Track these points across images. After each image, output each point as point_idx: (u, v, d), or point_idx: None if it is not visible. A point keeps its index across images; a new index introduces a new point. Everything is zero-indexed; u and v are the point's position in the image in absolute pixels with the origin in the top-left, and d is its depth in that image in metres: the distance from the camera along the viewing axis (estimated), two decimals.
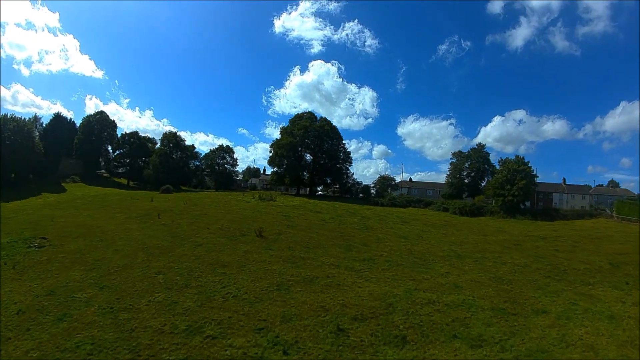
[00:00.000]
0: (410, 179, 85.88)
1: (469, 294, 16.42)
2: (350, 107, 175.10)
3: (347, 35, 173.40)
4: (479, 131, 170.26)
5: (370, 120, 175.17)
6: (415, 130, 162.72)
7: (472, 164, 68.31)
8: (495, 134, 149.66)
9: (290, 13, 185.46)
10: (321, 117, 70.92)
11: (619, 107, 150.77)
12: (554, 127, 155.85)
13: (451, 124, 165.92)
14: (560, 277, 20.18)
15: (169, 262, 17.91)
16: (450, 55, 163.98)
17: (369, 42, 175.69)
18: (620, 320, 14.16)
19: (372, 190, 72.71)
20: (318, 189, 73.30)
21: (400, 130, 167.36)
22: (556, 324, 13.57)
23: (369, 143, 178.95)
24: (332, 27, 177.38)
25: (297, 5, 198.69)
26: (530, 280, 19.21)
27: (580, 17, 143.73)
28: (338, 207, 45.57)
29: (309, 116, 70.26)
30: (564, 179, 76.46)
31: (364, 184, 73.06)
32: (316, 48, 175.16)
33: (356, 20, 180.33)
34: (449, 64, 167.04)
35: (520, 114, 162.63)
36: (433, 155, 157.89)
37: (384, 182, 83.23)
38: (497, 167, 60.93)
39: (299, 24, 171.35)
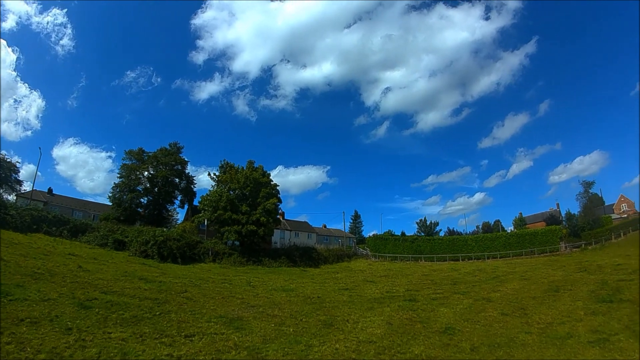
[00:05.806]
0: (50, 190, 52.62)
1: None
2: (12, 112, 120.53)
3: (47, 22, 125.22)
4: None
5: (29, 132, 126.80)
6: (71, 155, 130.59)
7: (160, 172, 43.29)
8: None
9: None
10: None
11: (275, 169, 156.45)
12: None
13: (110, 156, 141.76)
14: None
15: None
16: (136, 86, 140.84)
17: (65, 41, 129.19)
18: None
19: None
20: None
21: (57, 152, 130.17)
22: None
23: (19, 159, 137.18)
24: (40, 5, 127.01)
25: None
26: None
27: (268, 91, 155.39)
28: None
29: None
30: None
31: None
32: (9, 23, 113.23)
33: (66, 10, 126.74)
34: (131, 94, 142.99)
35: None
36: (83, 187, 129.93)
37: None
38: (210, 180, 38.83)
39: None
